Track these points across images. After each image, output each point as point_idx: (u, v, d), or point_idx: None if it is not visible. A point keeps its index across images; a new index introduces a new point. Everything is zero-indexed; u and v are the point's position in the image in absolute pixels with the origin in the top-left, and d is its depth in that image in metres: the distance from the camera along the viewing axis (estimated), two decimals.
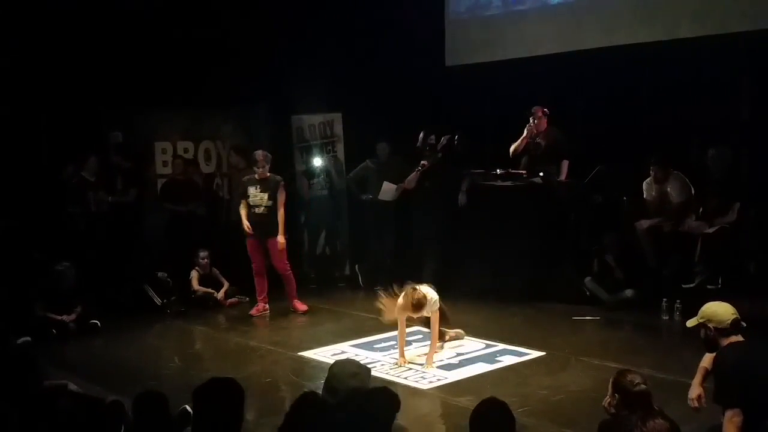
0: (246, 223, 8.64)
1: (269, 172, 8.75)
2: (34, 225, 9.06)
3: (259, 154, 8.74)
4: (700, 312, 4.34)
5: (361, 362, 5.17)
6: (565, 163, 8.99)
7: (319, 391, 4.19)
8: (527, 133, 9.06)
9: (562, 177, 8.96)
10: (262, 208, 8.68)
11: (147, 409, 3.90)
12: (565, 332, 7.72)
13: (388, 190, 9.86)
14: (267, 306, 8.92)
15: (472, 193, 9.32)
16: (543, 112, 9.03)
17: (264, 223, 8.67)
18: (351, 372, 3.91)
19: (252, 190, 8.70)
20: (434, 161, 9.56)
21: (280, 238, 8.65)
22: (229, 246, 9.58)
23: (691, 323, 4.40)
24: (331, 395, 3.82)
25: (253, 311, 8.87)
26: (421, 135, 9.71)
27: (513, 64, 9.86)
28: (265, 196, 8.67)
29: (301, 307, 8.94)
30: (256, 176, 8.72)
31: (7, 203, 8.94)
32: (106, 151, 9.90)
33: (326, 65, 10.64)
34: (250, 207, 8.69)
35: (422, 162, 9.56)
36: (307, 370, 6.79)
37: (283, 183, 8.81)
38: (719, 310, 4.27)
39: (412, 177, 9.64)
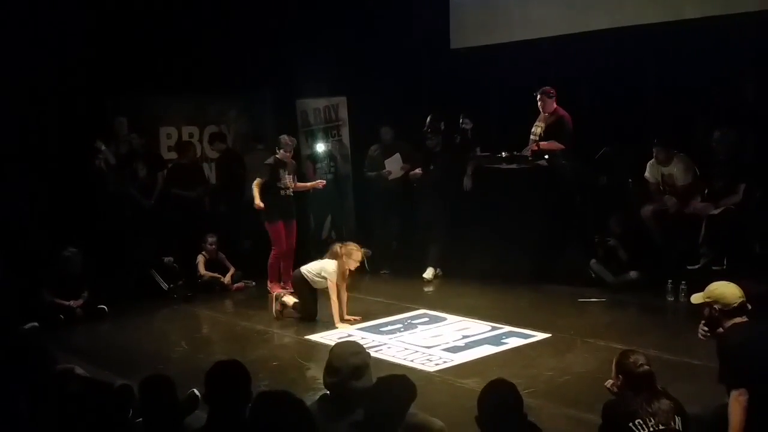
0: (259, 202, 8.65)
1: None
2: (43, 212, 9.09)
3: (286, 138, 8.88)
4: (706, 290, 4.32)
5: (365, 345, 5.20)
6: (555, 144, 8.82)
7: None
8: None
9: (534, 147, 8.84)
10: (291, 191, 8.86)
11: (153, 393, 3.92)
12: (570, 314, 7.74)
13: (396, 159, 9.86)
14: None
15: (477, 176, 9.31)
16: (548, 93, 8.88)
17: (291, 204, 8.92)
18: (352, 351, 3.92)
19: (282, 173, 8.78)
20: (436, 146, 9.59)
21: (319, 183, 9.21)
22: (235, 230, 9.66)
23: (696, 300, 4.39)
24: (333, 375, 3.83)
25: (276, 289, 8.79)
26: (429, 119, 9.69)
27: (518, 46, 9.82)
28: (291, 178, 8.87)
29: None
30: (280, 158, 8.79)
31: (16, 192, 8.97)
32: (114, 138, 9.91)
33: (330, 49, 10.62)
34: (278, 189, 8.75)
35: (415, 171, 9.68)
36: (313, 354, 6.82)
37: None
38: (726, 292, 4.25)
39: (416, 171, 9.67)
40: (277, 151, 8.82)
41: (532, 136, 9.06)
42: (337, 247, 7.72)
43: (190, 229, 9.66)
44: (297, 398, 3.48)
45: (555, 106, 8.92)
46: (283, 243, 8.83)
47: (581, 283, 8.55)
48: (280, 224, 8.81)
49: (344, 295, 7.72)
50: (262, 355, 6.88)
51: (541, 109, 8.96)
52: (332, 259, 7.64)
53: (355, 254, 7.61)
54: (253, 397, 3.47)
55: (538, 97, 8.91)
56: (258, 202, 8.64)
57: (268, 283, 8.97)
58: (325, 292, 7.65)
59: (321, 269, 7.64)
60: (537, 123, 9.05)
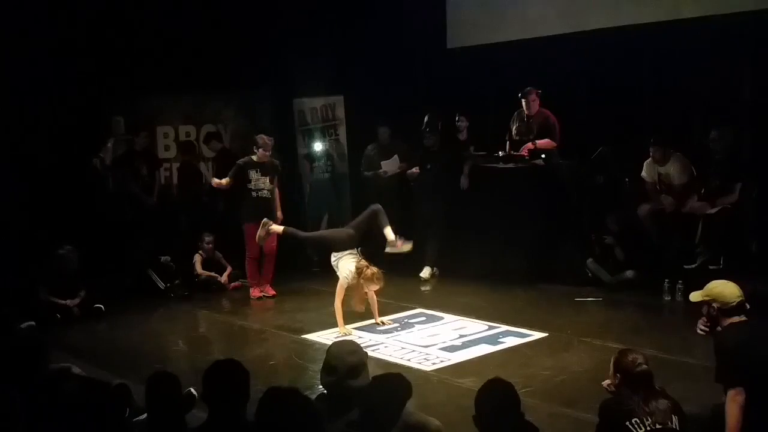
0: (217, 180, 8.69)
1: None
2: (39, 210, 9.07)
3: (264, 137, 8.67)
4: (705, 288, 4.32)
5: (362, 344, 5.21)
6: (549, 142, 8.88)
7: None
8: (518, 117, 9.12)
9: (530, 146, 8.85)
10: (266, 192, 8.67)
11: (160, 391, 3.91)
12: (567, 313, 7.75)
13: (394, 161, 9.86)
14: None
15: (474, 175, 9.32)
16: (537, 93, 8.95)
17: (267, 206, 8.63)
18: (349, 350, 3.93)
19: (253, 174, 8.64)
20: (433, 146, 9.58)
21: (280, 214, 8.69)
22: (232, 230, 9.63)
23: (694, 298, 4.38)
24: (330, 374, 3.84)
25: (256, 293, 8.84)
26: (427, 118, 9.68)
27: (515, 45, 9.82)
28: (267, 179, 8.66)
29: (271, 291, 8.94)
30: (255, 159, 8.63)
31: (12, 190, 8.96)
32: (111, 136, 9.90)
33: (328, 48, 10.62)
34: (250, 191, 8.64)
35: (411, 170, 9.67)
36: (310, 353, 6.81)
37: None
38: (726, 291, 4.24)
39: (413, 171, 9.66)
40: (255, 150, 8.63)
41: (515, 137, 9.09)
42: (363, 266, 7.23)
43: (193, 228, 9.68)
44: (305, 396, 3.48)
45: (539, 106, 8.97)
46: (255, 246, 8.57)
47: (578, 282, 8.57)
48: (254, 227, 8.23)
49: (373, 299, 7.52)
50: (259, 354, 6.88)
51: (526, 109, 8.99)
52: (356, 269, 7.27)
53: (372, 285, 7.25)
54: (262, 395, 3.46)
55: (533, 96, 8.93)
56: (216, 180, 8.72)
57: (250, 290, 8.93)
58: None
59: (343, 265, 7.38)
60: (516, 123, 9.10)
